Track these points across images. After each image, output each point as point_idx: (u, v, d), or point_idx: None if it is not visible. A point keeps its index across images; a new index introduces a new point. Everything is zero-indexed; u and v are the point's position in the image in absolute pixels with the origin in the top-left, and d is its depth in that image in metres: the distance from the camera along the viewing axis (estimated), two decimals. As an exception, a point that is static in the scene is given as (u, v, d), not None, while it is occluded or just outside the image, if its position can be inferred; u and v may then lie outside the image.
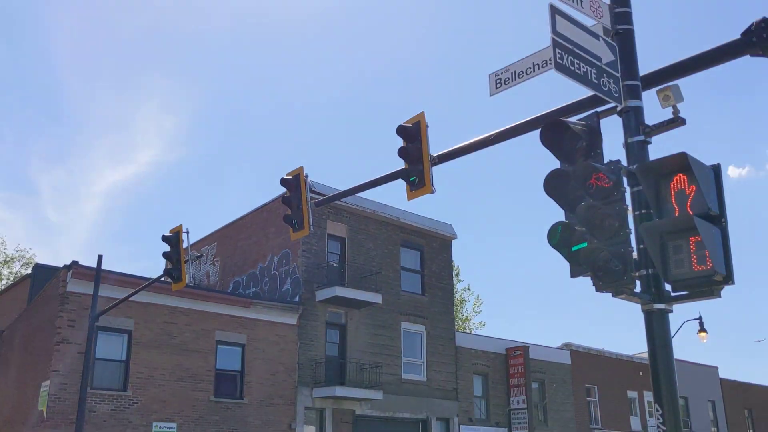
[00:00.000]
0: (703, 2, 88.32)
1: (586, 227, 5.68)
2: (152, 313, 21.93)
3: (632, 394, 38.02)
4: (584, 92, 6.40)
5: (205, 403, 22.29)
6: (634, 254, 5.62)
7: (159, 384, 21.49)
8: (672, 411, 5.34)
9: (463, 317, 50.29)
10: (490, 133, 10.21)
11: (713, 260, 5.09)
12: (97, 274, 20.17)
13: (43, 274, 26.04)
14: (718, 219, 5.31)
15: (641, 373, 38.95)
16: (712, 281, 5.20)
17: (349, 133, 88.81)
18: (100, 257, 20.34)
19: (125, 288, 20.52)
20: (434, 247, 30.54)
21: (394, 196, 40.20)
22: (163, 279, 20.50)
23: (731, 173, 76.53)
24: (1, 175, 72.16)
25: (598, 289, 5.59)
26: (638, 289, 5.63)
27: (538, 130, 7.89)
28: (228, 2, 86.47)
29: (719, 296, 5.34)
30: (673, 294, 5.55)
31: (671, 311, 5.61)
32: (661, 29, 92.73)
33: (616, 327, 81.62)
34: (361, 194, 26.64)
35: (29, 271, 31.52)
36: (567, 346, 36.00)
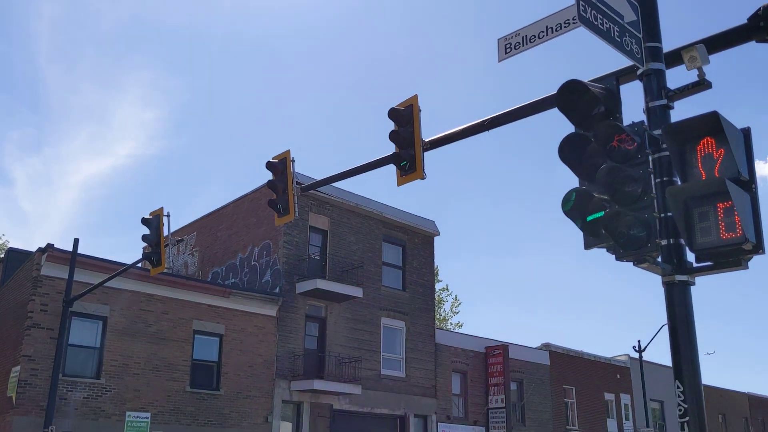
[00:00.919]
0: None
1: (607, 192, 5.36)
2: (128, 300, 21.36)
3: (609, 396, 37.98)
4: (597, 67, 6.07)
5: (180, 394, 21.76)
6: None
7: (133, 373, 20.93)
8: (693, 389, 5.02)
9: (441, 317, 50.07)
10: (485, 118, 9.92)
11: (744, 227, 4.78)
12: (73, 258, 19.60)
13: (16, 258, 25.31)
14: (748, 185, 5.01)
15: (618, 376, 38.96)
16: (740, 250, 4.89)
17: (334, 125, 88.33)
18: (76, 240, 19.79)
19: (101, 273, 19.97)
20: (416, 243, 30.23)
21: (377, 191, 39.87)
22: (140, 265, 20.00)
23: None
24: (-25, 162, 70.77)
25: (619, 258, 5.27)
26: (659, 260, 5.31)
27: (547, 97, 7.61)
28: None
29: (746, 267, 5.03)
30: (696, 265, 5.24)
31: (693, 283, 5.29)
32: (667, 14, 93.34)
33: (595, 329, 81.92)
34: (345, 187, 26.68)
35: (2, 255, 30.71)
36: (546, 347, 35.86)
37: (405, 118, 10.61)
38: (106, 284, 19.37)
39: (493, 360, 31.75)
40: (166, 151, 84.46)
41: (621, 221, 5.23)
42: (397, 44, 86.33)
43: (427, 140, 10.53)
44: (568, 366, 36.15)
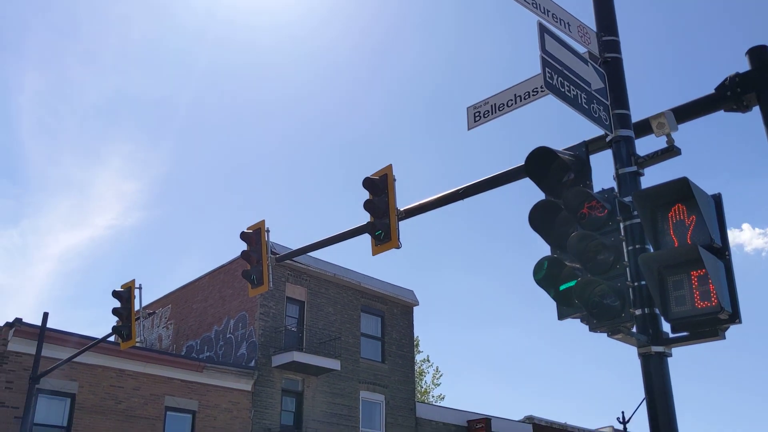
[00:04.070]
0: (687, 48, 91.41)
1: (579, 259, 5.22)
2: (98, 375, 20.71)
3: (594, 470, 37.12)
4: (567, 136, 6.03)
5: (150, 474, 20.91)
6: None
7: (101, 452, 20.12)
8: (674, 466, 4.78)
9: (423, 389, 49.14)
10: (459, 187, 9.89)
11: (719, 296, 4.64)
12: (42, 332, 19.05)
13: (-17, 333, 24.61)
14: (721, 252, 4.90)
15: (603, 449, 38.16)
16: (716, 320, 4.74)
17: (313, 195, 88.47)
18: (45, 314, 19.27)
19: (71, 348, 19.39)
20: (395, 314, 29.85)
21: (355, 260, 39.60)
22: (111, 339, 19.49)
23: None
24: (-51, 235, 69.84)
25: (592, 329, 5.09)
26: (633, 330, 5.14)
27: (520, 166, 7.56)
28: (191, 69, 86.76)
29: (723, 337, 4.87)
30: (672, 335, 5.07)
31: (670, 355, 5.11)
32: (641, 74, 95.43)
33: (578, 400, 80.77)
34: (323, 257, 26.45)
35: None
36: (529, 420, 35.13)
37: (379, 187, 10.55)
38: (75, 359, 18.79)
39: (475, 434, 30.98)
40: (144, 222, 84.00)
41: (594, 290, 5.08)
42: (374, 110, 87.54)
43: (402, 209, 10.45)
44: (551, 439, 35.37)
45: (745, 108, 6.21)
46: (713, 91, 6.53)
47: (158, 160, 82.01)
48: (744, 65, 6.39)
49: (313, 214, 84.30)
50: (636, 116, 6.13)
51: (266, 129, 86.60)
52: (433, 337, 76.88)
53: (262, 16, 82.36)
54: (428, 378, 50.52)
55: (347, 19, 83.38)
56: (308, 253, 13.66)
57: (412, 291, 30.98)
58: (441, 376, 52.04)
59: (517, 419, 34.75)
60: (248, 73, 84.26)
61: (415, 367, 46.88)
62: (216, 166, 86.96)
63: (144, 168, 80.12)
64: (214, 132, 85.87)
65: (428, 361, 51.62)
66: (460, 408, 32.67)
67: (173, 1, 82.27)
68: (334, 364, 25.33)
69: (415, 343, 48.65)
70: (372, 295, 29.01)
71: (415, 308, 31.08)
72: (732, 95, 6.15)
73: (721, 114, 6.75)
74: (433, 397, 49.71)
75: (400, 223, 10.56)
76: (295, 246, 14.07)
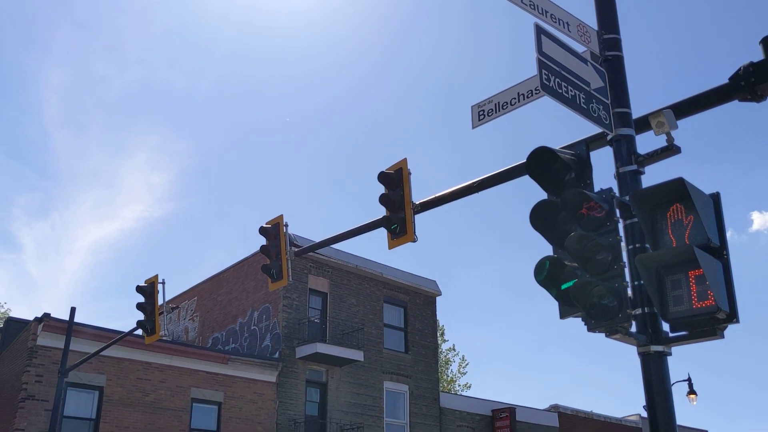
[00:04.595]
0: (693, 42, 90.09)
1: (577, 260, 5.25)
2: (125, 368, 21.09)
3: (621, 458, 36.98)
4: (575, 128, 6.04)
5: (177, 465, 21.28)
6: (628, 291, 5.17)
7: (129, 444, 20.51)
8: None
9: (449, 378, 49.22)
10: (473, 180, 9.90)
11: (716, 296, 4.65)
12: (69, 327, 19.41)
13: (15, 327, 25.13)
14: (719, 251, 4.90)
15: (630, 437, 37.99)
16: (714, 319, 4.75)
17: (337, 188, 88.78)
18: (72, 309, 19.63)
19: (98, 342, 19.75)
20: (418, 304, 29.94)
21: (378, 252, 39.73)
22: (137, 333, 19.81)
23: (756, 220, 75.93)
24: (-18, 230, 71.18)
25: (590, 329, 5.12)
26: (633, 329, 5.16)
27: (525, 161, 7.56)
28: (215, 59, 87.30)
29: (722, 336, 4.88)
30: (671, 335, 5.09)
31: (670, 354, 5.14)
32: (650, 70, 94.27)
33: (605, 388, 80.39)
34: (344, 249, 26.60)
35: (1, 325, 30.53)
36: (554, 408, 35.10)
37: (395, 181, 10.58)
38: (102, 353, 19.15)
39: (500, 423, 31.02)
40: (173, 213, 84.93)
41: (592, 291, 5.11)
42: (397, 94, 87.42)
43: (417, 203, 10.48)
44: (577, 427, 35.29)
45: (759, 98, 6.15)
46: (727, 81, 6.49)
47: (185, 151, 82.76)
48: (753, 56, 6.33)
49: (340, 203, 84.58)
50: (645, 111, 6.11)
51: (293, 116, 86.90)
52: (459, 326, 76.98)
53: (280, 2, 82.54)
54: (454, 367, 50.60)
55: (362, 11, 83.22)
56: (324, 247, 13.75)
57: (434, 281, 31.04)
58: (467, 365, 52.05)
59: (542, 408, 34.74)
60: (267, 58, 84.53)
61: (441, 357, 47.08)
62: (240, 157, 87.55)
63: (171, 159, 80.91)
64: (238, 121, 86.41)
65: (454, 350, 51.69)
66: (485, 397, 32.75)
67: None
68: (357, 354, 25.52)
69: (440, 332, 48.90)
70: (394, 286, 29.12)
71: (439, 298, 31.15)
72: (746, 85, 6.10)
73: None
74: (459, 386, 49.78)
75: (415, 216, 10.60)
76: (318, 237, 14.12)
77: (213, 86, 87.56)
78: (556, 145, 6.21)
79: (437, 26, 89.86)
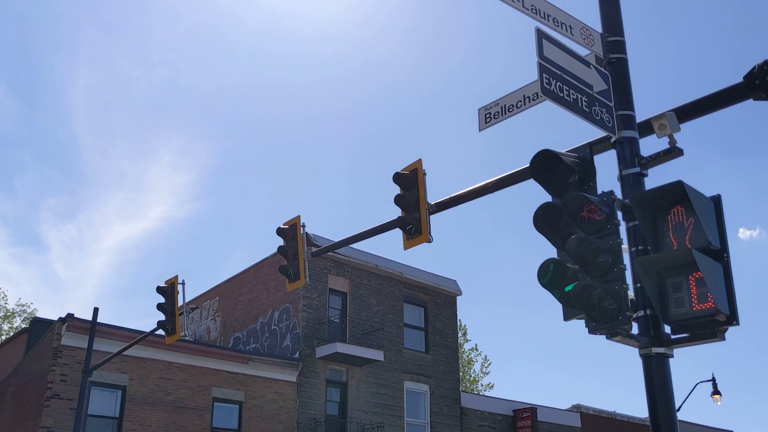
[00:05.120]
0: (705, 43, 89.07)
1: (578, 263, 5.28)
2: (147, 368, 21.37)
3: (645, 458, 36.71)
4: (590, 129, 6.02)
5: (199, 463, 21.52)
6: (630, 293, 5.19)
7: (152, 442, 20.79)
8: (674, 466, 4.84)
9: (471, 378, 49.14)
10: (488, 181, 9.92)
11: (715, 298, 4.66)
12: (92, 327, 19.72)
13: (40, 327, 25.58)
14: (719, 254, 4.90)
15: (654, 437, 37.66)
16: (714, 322, 4.76)
17: (358, 188, 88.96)
18: (95, 309, 19.94)
19: (121, 342, 20.03)
20: (438, 304, 29.95)
21: (397, 251, 39.78)
22: (159, 333, 20.07)
23: (741, 235, 75.66)
24: (13, 231, 72.32)
25: (591, 331, 5.15)
26: (635, 331, 5.19)
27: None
28: (239, 61, 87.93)
29: (723, 339, 4.89)
30: (673, 337, 5.11)
31: (671, 356, 5.15)
32: (660, 72, 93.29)
33: (628, 388, 79.76)
34: (364, 248, 26.72)
35: (27, 325, 31.07)
36: (577, 408, 34.93)
37: (410, 182, 10.62)
38: (125, 353, 19.43)
39: (521, 423, 30.94)
40: (197, 213, 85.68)
41: (592, 293, 5.13)
42: (412, 97, 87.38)
43: (432, 203, 10.51)
44: (600, 428, 35.08)
45: (774, 97, 6.12)
46: (741, 80, 6.47)
47: (208, 152, 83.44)
48: (755, 59, 6.31)
49: (361, 202, 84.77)
50: (651, 113, 6.11)
51: (315, 119, 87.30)
52: (482, 325, 76.75)
53: (303, 8, 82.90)
54: (477, 367, 50.50)
55: (387, 17, 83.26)
56: (340, 248, 13.83)
57: (455, 281, 31.03)
58: (490, 364, 51.93)
59: (564, 408, 34.58)
60: (290, 62, 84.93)
61: (464, 356, 47.00)
62: (262, 157, 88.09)
63: (195, 159, 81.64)
64: (261, 122, 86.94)
65: (476, 349, 51.58)
66: (507, 397, 32.67)
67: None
68: (377, 354, 25.60)
69: (463, 331, 48.81)
70: (414, 286, 29.16)
71: (460, 297, 31.14)
72: (761, 83, 6.08)
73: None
74: (482, 386, 49.69)
75: (432, 216, 10.63)
76: (338, 237, 14.16)
77: (235, 88, 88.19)
78: (576, 145, 6.22)
79: (454, 31, 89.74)
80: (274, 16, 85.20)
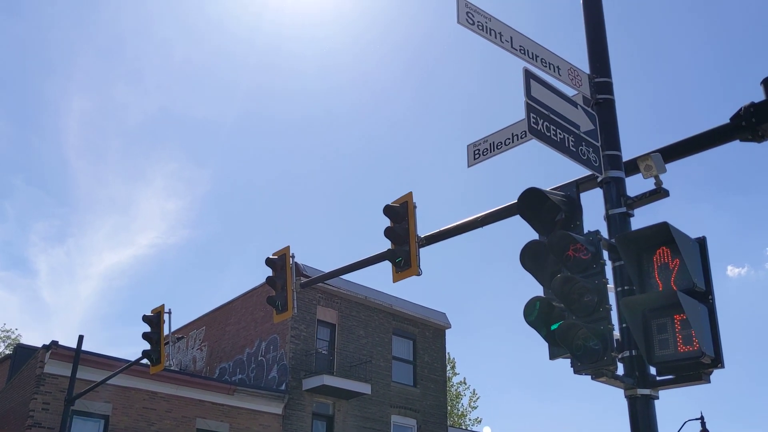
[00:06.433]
0: (692, 83, 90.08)
1: (563, 302, 5.27)
2: (131, 398, 21.10)
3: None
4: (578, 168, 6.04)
5: (181, 496, 21.16)
6: (616, 333, 5.18)
7: (133, 474, 20.45)
8: None
9: (459, 413, 48.71)
10: (477, 216, 9.94)
11: (700, 341, 4.66)
12: (77, 355, 19.48)
13: (24, 354, 25.26)
14: (704, 296, 4.91)
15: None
16: (699, 364, 4.75)
17: (349, 219, 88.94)
18: (80, 337, 19.71)
19: (106, 371, 19.79)
20: (427, 337, 29.79)
21: (387, 283, 39.60)
22: (143, 362, 19.85)
23: (730, 273, 75.99)
24: (1, 255, 71.73)
25: (576, 371, 5.13)
26: (621, 372, 5.16)
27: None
28: (234, 91, 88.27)
29: (708, 381, 4.87)
30: (658, 378, 5.08)
31: (657, 397, 5.12)
32: (646, 110, 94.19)
33: (618, 425, 79.23)
34: (353, 280, 26.58)
35: (11, 351, 30.69)
36: (564, 445, 34.65)
37: (400, 214, 10.63)
38: (109, 381, 19.19)
39: (508, 459, 30.65)
40: (188, 240, 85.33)
41: (577, 333, 5.12)
42: (404, 126, 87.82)
43: (422, 236, 10.51)
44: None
45: (760, 138, 6.18)
46: (728, 121, 6.54)
47: (201, 179, 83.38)
48: (743, 100, 6.38)
49: (353, 233, 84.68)
50: (638, 151, 6.16)
51: (307, 150, 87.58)
52: (471, 359, 76.34)
53: (301, 42, 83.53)
54: (465, 401, 50.09)
55: (381, 58, 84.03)
56: (338, 276, 13.78)
57: (444, 314, 30.91)
58: (478, 398, 51.51)
59: (552, 444, 34.30)
60: (287, 96, 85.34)
61: (452, 390, 46.63)
62: (257, 185, 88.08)
63: (187, 187, 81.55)
64: (256, 152, 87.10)
65: (465, 383, 51.20)
66: (494, 432, 32.36)
67: (214, 27, 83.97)
68: (364, 387, 25.37)
69: (451, 365, 48.47)
70: (403, 318, 29.02)
71: (449, 331, 30.99)
72: (747, 125, 6.14)
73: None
74: (470, 420, 49.23)
75: (422, 249, 10.62)
76: (330, 267, 14.10)
77: (233, 117, 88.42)
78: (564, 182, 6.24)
79: (449, 70, 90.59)
80: (274, 53, 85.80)
